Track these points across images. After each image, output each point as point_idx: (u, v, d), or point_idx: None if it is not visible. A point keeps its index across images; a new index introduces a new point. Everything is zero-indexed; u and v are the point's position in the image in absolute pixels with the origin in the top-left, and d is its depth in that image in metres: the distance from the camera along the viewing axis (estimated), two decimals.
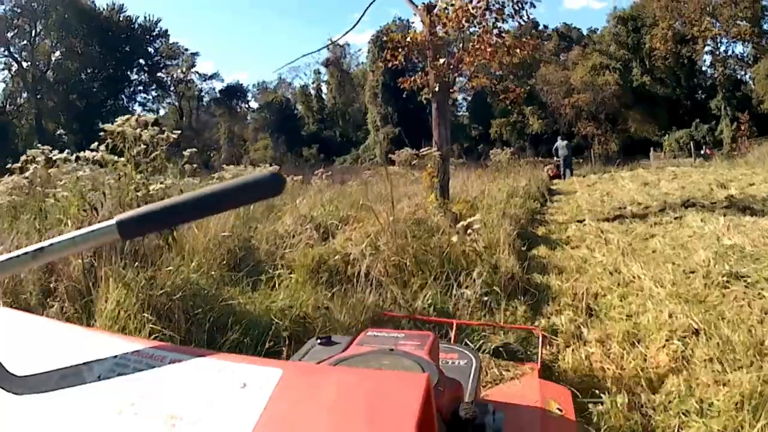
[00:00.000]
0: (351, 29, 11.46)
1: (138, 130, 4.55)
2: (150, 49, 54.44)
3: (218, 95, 59.16)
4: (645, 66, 43.74)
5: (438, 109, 10.12)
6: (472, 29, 10.16)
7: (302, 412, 0.64)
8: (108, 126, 4.73)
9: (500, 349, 3.86)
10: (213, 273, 4.93)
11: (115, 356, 0.78)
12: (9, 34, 47.63)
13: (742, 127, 34.64)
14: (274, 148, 52.85)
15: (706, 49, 42.19)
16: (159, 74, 55.52)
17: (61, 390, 0.74)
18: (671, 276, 5.24)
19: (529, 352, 3.82)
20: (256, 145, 55.96)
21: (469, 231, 6.07)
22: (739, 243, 6.12)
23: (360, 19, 11.81)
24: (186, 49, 56.36)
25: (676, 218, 8.70)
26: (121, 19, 51.62)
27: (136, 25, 52.80)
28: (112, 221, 0.80)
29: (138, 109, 54.12)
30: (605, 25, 48.07)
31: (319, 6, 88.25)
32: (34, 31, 48.58)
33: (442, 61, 9.73)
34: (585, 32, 51.18)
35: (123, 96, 53.70)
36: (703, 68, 44.82)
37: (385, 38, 11.06)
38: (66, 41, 48.93)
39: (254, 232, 6.46)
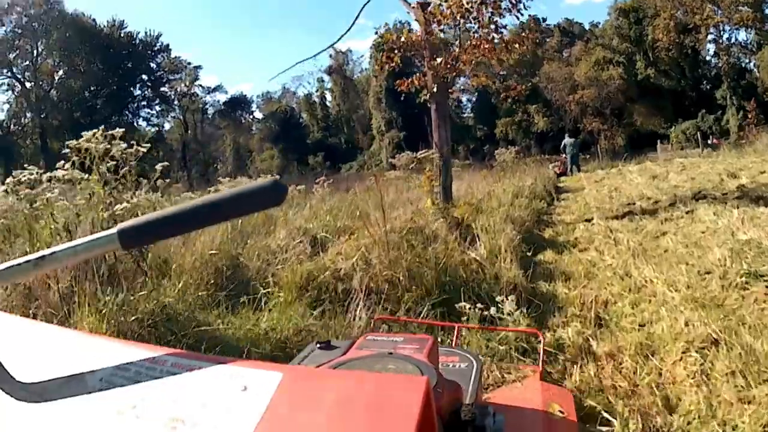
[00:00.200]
0: (346, 32, 11.30)
1: (102, 146, 4.23)
2: (152, 65, 54.51)
3: (222, 107, 59.12)
4: (649, 58, 43.41)
5: (437, 111, 9.89)
6: (468, 25, 9.94)
7: (302, 415, 0.64)
8: (71, 142, 4.44)
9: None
10: (192, 295, 4.69)
11: (117, 361, 0.78)
12: (11, 56, 47.93)
13: (750, 116, 34.17)
14: (279, 157, 52.76)
15: (709, 37, 42.07)
16: (162, 89, 55.47)
17: (63, 394, 0.74)
18: (685, 278, 4.90)
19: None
20: (262, 155, 55.96)
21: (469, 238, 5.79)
22: (755, 237, 5.81)
23: (354, 21, 11.61)
24: (189, 63, 56.44)
25: (687, 212, 8.40)
26: (122, 35, 51.75)
27: (137, 41, 52.85)
28: (113, 230, 0.80)
29: (143, 124, 54.54)
30: (607, 18, 47.80)
31: (320, 15, 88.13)
32: (35, 51, 48.76)
33: (439, 60, 9.50)
34: (587, 26, 50.71)
35: (127, 112, 53.75)
36: (707, 58, 44.54)
37: (379, 39, 10.73)
38: (68, 60, 49.12)
39: (243, 248, 6.17)
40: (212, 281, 5.31)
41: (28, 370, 0.79)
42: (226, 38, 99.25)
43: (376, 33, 10.79)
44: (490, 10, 9.56)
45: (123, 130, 4.80)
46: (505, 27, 9.96)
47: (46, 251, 0.81)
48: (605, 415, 2.90)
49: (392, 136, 42.76)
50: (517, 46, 9.93)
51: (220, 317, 4.20)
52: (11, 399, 0.74)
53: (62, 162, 4.65)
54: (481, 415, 1.12)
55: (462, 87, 40.43)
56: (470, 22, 9.80)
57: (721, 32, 41.73)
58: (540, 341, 2.62)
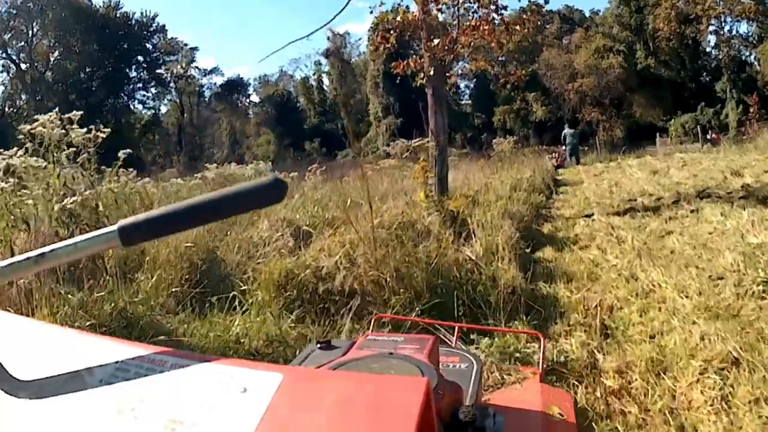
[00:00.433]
0: (341, 11, 10.82)
1: (57, 131, 3.82)
2: (148, 46, 53.77)
3: (219, 90, 58.42)
4: (649, 48, 42.96)
5: (434, 96, 9.51)
6: (467, 5, 9.57)
7: (302, 416, 0.64)
8: (24, 127, 4.04)
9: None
10: (162, 293, 4.39)
11: (117, 361, 0.77)
12: (6, 36, 47.42)
13: (751, 110, 33.67)
14: (276, 142, 52.30)
15: (710, 28, 41.50)
16: (158, 71, 54.80)
17: (62, 394, 0.73)
18: (696, 284, 4.51)
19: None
20: (258, 140, 55.48)
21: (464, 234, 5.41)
22: (767, 242, 5.42)
23: (348, 2, 11.04)
24: (185, 45, 55.81)
25: (692, 211, 8.04)
26: (117, 15, 50.97)
27: (133, 22, 52.13)
28: (114, 227, 0.80)
29: (139, 107, 54.23)
30: (607, 6, 47.31)
31: (319, 4, 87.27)
32: (31, 32, 48.17)
33: (436, 42, 9.13)
34: (587, 14, 50.22)
35: (123, 94, 53.22)
36: (708, 49, 44.02)
37: (376, 20, 10.32)
38: (63, 41, 48.53)
39: (223, 240, 5.79)
40: (187, 277, 4.99)
41: (27, 368, 0.78)
42: (225, 19, 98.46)
43: (371, 12, 10.29)
44: None
45: (81, 113, 4.37)
46: (505, 8, 9.60)
47: (46, 248, 0.82)
48: None
49: (389, 123, 42.37)
50: (518, 28, 9.55)
51: (186, 322, 3.82)
52: (10, 397, 0.74)
53: (15, 149, 4.24)
54: (481, 417, 1.11)
55: (461, 72, 40.29)
56: (469, 2, 9.45)
57: (723, 24, 41.19)
58: (541, 342, 2.54)
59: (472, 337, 3.76)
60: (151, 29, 53.56)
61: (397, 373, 1.25)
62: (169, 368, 0.74)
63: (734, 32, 41.80)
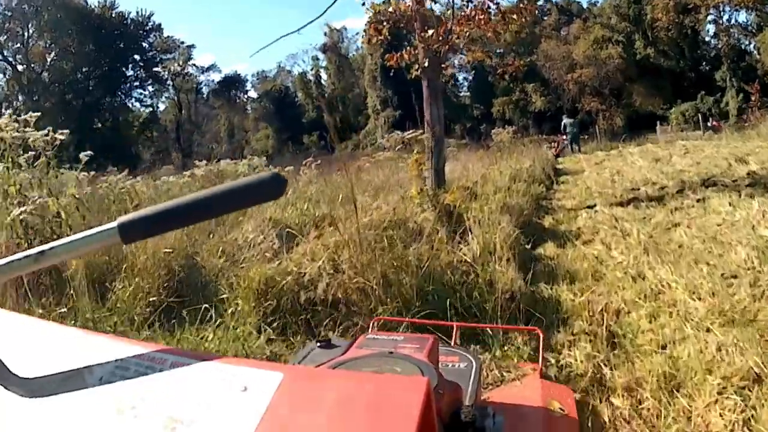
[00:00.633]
0: (332, 5, 10.41)
1: (10, 133, 3.50)
2: (144, 44, 53.48)
3: (216, 87, 58.04)
4: (648, 38, 42.57)
5: (429, 87, 9.29)
6: None
7: (303, 415, 0.63)
8: None
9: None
10: (137, 304, 4.09)
11: (117, 359, 0.77)
12: (1, 38, 47.34)
13: (753, 98, 33.30)
14: (274, 137, 52.03)
15: (709, 18, 41.12)
16: (155, 69, 54.46)
17: (62, 392, 0.73)
18: (708, 283, 4.16)
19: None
20: (257, 135, 55.22)
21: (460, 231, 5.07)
22: None
23: None
24: (182, 42, 55.39)
25: (698, 201, 7.73)
26: (113, 15, 50.70)
27: (129, 21, 51.80)
28: (114, 224, 0.80)
29: (137, 105, 54.15)
30: None
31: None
32: (26, 33, 48.01)
33: (430, 32, 8.85)
34: (585, 5, 49.82)
35: (120, 93, 52.99)
36: (707, 39, 43.57)
37: (369, 11, 9.99)
38: (59, 41, 48.25)
39: (206, 243, 5.48)
40: (166, 285, 4.70)
41: (29, 366, 0.78)
42: (224, 16, 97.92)
43: (363, 4, 9.96)
44: None
45: (38, 114, 4.06)
46: None
47: (46, 246, 0.82)
48: None
49: (387, 115, 42.12)
50: (514, 17, 9.22)
51: (153, 339, 3.51)
52: (12, 394, 0.74)
53: None
54: (480, 417, 1.11)
55: (459, 64, 40.07)
56: None
57: (721, 13, 40.76)
58: (540, 338, 2.49)
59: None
60: (147, 28, 53.25)
61: (397, 373, 1.25)
62: (169, 367, 0.74)
63: (733, 21, 41.47)
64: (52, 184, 4.44)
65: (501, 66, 11.84)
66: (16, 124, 3.87)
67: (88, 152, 4.84)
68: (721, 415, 2.56)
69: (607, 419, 2.71)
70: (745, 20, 41.05)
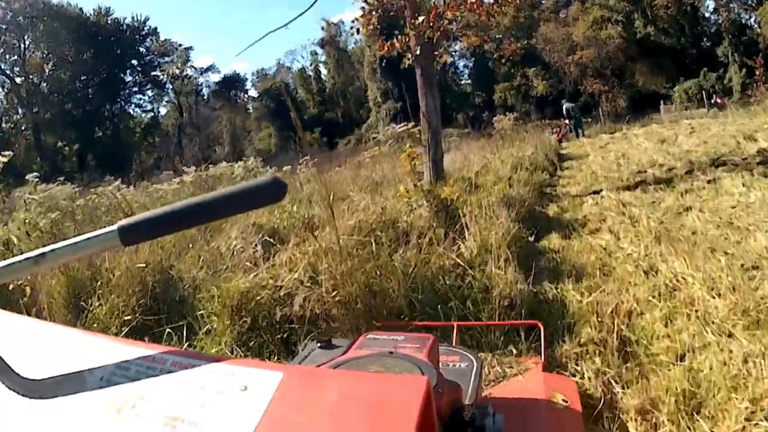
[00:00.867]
0: (311, 7, 10.08)
1: None
2: (141, 49, 53.48)
3: (216, 87, 57.80)
4: (647, 16, 42.29)
5: (423, 76, 8.99)
6: None
7: (303, 415, 0.64)
8: None
9: None
10: (116, 324, 3.94)
11: (118, 359, 0.78)
12: None
13: (757, 72, 32.70)
14: (276, 135, 51.75)
15: None
16: (153, 73, 54.50)
17: (63, 392, 0.74)
18: (728, 276, 3.76)
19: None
20: (260, 134, 54.98)
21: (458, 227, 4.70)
22: None
23: None
24: (179, 45, 55.21)
25: (708, 182, 7.39)
26: (108, 21, 50.64)
27: (125, 26, 51.76)
28: (114, 227, 0.80)
29: (138, 111, 54.17)
30: None
31: None
32: (23, 45, 47.83)
33: (421, 18, 8.49)
34: None
35: (119, 99, 52.89)
36: (707, 14, 43.17)
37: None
38: (56, 51, 48.21)
39: (179, 256, 5.12)
40: (141, 302, 4.37)
41: (31, 367, 0.78)
42: (219, 18, 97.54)
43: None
44: None
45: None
46: None
47: (46, 248, 0.82)
48: None
49: (389, 108, 41.77)
50: None
51: None
52: (13, 394, 0.75)
53: None
54: (480, 415, 1.10)
55: (459, 52, 39.77)
56: None
57: None
58: (542, 332, 2.53)
59: None
60: (143, 32, 53.18)
61: (397, 372, 1.25)
62: (169, 367, 0.74)
63: None
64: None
65: (497, 50, 11.37)
66: None
67: (35, 173, 4.47)
68: None
69: None
70: None
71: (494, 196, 6.67)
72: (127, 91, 53.72)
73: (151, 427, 0.64)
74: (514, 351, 3.24)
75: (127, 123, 51.96)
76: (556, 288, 4.26)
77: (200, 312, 4.02)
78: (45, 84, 48.90)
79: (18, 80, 48.20)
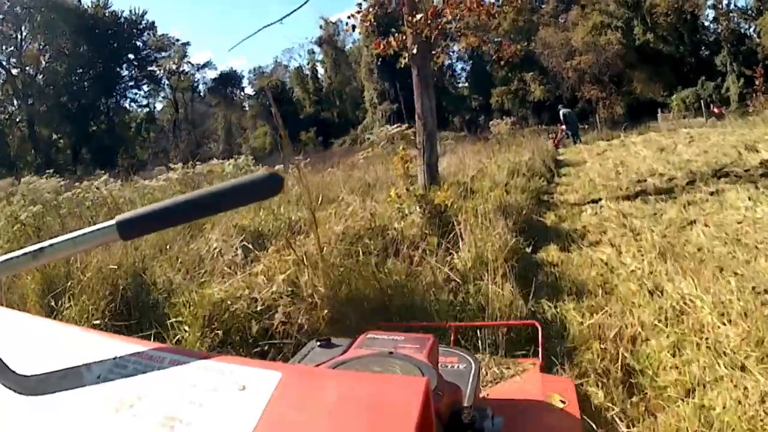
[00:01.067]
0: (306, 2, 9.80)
1: None
2: (138, 43, 53.17)
3: (212, 84, 57.49)
4: (647, 23, 42.27)
5: (419, 76, 8.78)
6: None
7: (301, 415, 0.63)
8: None
9: None
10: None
11: (115, 357, 0.76)
12: None
13: (757, 82, 32.66)
14: (272, 134, 51.59)
15: (708, 2, 40.73)
16: (150, 68, 54.30)
17: (60, 390, 0.73)
18: (739, 301, 3.50)
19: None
20: (255, 132, 54.73)
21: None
22: None
23: None
24: (177, 40, 55.09)
25: (712, 194, 7.18)
26: (106, 14, 50.43)
27: (122, 20, 51.51)
28: (112, 222, 0.80)
29: (133, 106, 54.09)
30: None
31: None
32: (19, 36, 47.61)
33: (419, 17, 8.28)
34: None
35: (115, 93, 52.63)
36: (706, 23, 43.18)
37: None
38: (53, 43, 48.10)
39: (154, 259, 4.84)
40: (112, 306, 4.10)
41: (27, 364, 0.77)
42: (217, 13, 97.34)
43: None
44: None
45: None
46: None
47: (45, 243, 0.81)
48: None
49: (385, 109, 41.69)
50: None
51: None
52: (11, 392, 0.73)
53: None
54: (480, 418, 1.08)
55: (458, 54, 39.63)
56: None
57: None
58: (539, 332, 2.53)
59: None
60: (141, 26, 52.96)
61: (396, 373, 1.23)
62: (167, 365, 0.72)
63: (732, 5, 41.15)
64: None
65: (496, 51, 11.11)
66: None
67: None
68: None
69: None
70: (745, 4, 40.78)
71: (490, 203, 6.43)
72: (123, 85, 53.50)
73: (149, 427, 0.63)
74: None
75: (122, 118, 51.74)
76: (556, 307, 3.99)
77: (171, 320, 3.74)
78: (41, 76, 48.73)
79: (14, 71, 48.09)
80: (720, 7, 40.32)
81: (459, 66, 49.36)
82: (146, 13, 53.33)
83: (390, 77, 39.97)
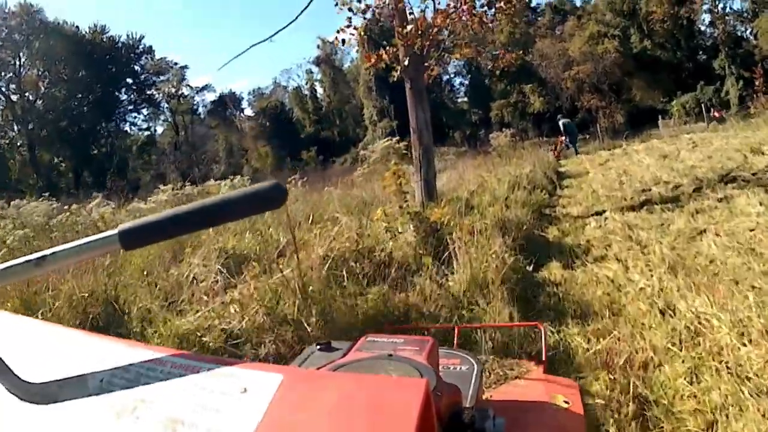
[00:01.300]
0: (305, 9, 9.57)
1: None
2: (136, 67, 53.38)
3: (211, 106, 57.57)
4: (644, 31, 42.49)
5: (412, 89, 8.54)
6: None
7: (302, 417, 0.62)
8: None
9: None
10: None
11: (118, 361, 0.76)
12: None
13: (757, 83, 32.53)
14: (273, 154, 51.55)
15: (704, 7, 40.96)
16: (149, 92, 54.40)
17: (64, 395, 0.72)
18: (759, 319, 3.18)
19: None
20: (255, 153, 54.75)
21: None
22: None
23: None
24: (175, 63, 55.02)
25: (720, 201, 6.90)
26: (104, 40, 50.62)
27: (120, 45, 51.68)
28: (115, 231, 0.79)
29: (134, 129, 54.42)
30: None
31: (310, 12, 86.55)
32: (18, 63, 47.66)
33: (409, 27, 8.07)
34: (578, 4, 49.48)
35: (114, 118, 52.61)
36: (703, 28, 43.47)
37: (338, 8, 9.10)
38: (52, 69, 48.16)
39: (128, 287, 4.56)
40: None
41: (31, 369, 0.77)
42: (216, 39, 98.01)
43: (336, 5, 9.03)
44: None
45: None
46: None
47: (47, 251, 0.81)
48: None
49: (384, 126, 41.58)
50: (502, 5, 8.34)
51: None
52: (14, 398, 0.73)
53: None
54: (480, 418, 1.07)
55: (455, 68, 39.55)
56: None
57: (716, 1, 40.69)
58: (542, 333, 2.46)
59: None
60: (138, 51, 53.09)
61: (396, 375, 1.20)
62: (169, 369, 0.72)
63: (728, 9, 41.35)
64: None
65: (493, 60, 10.89)
66: None
67: None
68: None
69: None
70: (740, 7, 40.95)
71: (489, 219, 6.12)
72: (122, 109, 53.53)
73: (152, 430, 0.62)
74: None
75: (123, 141, 51.87)
76: (559, 332, 3.68)
77: None
78: (40, 101, 48.81)
79: (13, 97, 48.07)
80: (716, 11, 40.57)
81: (457, 81, 49.68)
82: (144, 37, 53.57)
83: (389, 94, 40.08)
